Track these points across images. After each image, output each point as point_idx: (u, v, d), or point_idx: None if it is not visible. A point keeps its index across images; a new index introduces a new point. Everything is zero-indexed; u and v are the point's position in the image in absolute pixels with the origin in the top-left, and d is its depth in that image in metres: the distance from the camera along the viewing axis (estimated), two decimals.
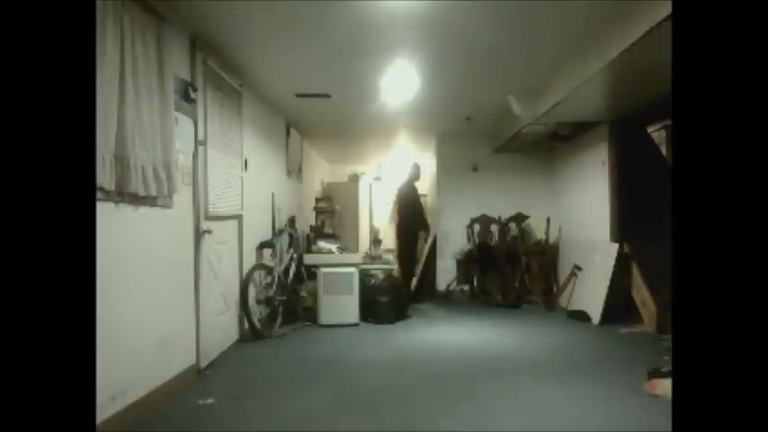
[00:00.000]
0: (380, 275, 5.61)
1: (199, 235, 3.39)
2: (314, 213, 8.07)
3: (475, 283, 6.67)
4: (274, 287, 4.74)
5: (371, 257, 6.20)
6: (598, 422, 2.60)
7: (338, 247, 5.67)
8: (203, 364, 3.44)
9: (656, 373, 3.07)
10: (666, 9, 2.48)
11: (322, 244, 5.74)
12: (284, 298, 4.94)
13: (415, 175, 6.78)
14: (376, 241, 6.86)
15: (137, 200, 2.58)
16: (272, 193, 5.40)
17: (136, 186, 2.49)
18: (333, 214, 8.45)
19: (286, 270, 5.17)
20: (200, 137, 3.44)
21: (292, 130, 6.37)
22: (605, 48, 3.24)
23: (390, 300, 5.24)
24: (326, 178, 10.20)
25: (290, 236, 5.49)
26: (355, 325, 5.00)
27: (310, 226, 7.28)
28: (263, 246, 4.87)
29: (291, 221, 5.71)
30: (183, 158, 3.14)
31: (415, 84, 4.53)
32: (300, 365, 3.69)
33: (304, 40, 3.58)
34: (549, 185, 6.96)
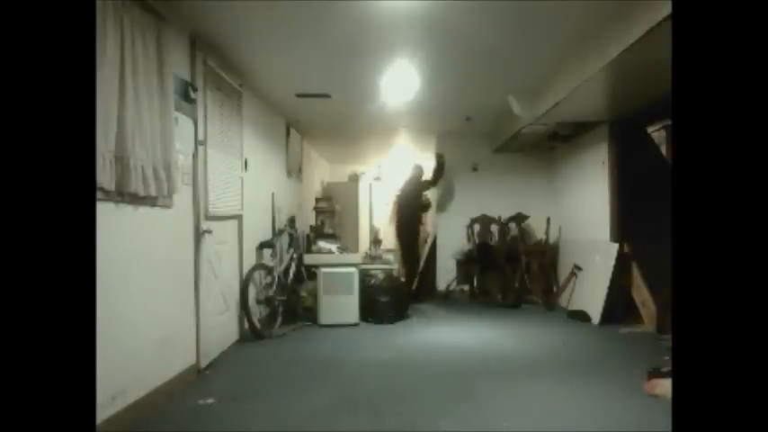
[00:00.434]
0: (380, 275, 5.61)
1: (199, 235, 3.39)
2: (314, 213, 8.06)
3: (475, 283, 6.67)
4: (274, 287, 4.74)
5: (371, 257, 6.20)
6: (598, 422, 2.60)
7: (338, 247, 5.67)
8: (203, 364, 3.44)
9: (656, 373, 3.06)
10: (666, 9, 2.48)
11: (322, 244, 5.74)
12: (284, 298, 4.94)
13: (417, 178, 6.78)
14: (376, 241, 6.86)
15: (137, 200, 2.58)
16: (272, 193, 5.40)
17: (136, 186, 2.49)
18: (333, 214, 8.44)
19: (286, 270, 5.17)
20: (201, 137, 3.44)
21: (292, 130, 6.36)
22: (605, 48, 3.24)
23: (390, 300, 5.24)
24: (326, 178, 10.20)
25: (290, 236, 5.49)
26: (355, 325, 5.00)
27: (310, 226, 7.28)
28: (263, 246, 4.87)
29: (291, 221, 5.71)
30: (183, 158, 3.14)
31: (415, 84, 4.53)
32: (300, 365, 3.69)
33: (304, 40, 3.58)
34: (549, 185, 6.96)
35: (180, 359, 3.14)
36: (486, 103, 5.35)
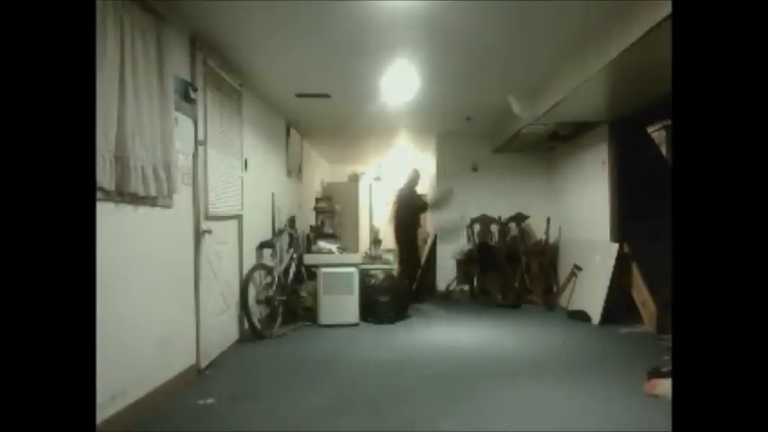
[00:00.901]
0: (380, 275, 5.61)
1: (199, 235, 3.39)
2: (314, 213, 8.06)
3: (475, 283, 6.67)
4: (274, 287, 4.74)
5: (371, 257, 6.20)
6: (598, 422, 2.61)
7: (338, 247, 5.67)
8: (203, 364, 3.44)
9: (656, 373, 3.07)
10: (666, 9, 2.48)
11: (322, 244, 5.74)
12: (284, 298, 4.94)
13: (414, 181, 6.80)
14: (376, 241, 6.86)
15: (137, 200, 2.58)
16: (272, 193, 5.40)
17: (136, 186, 2.49)
18: (333, 214, 8.45)
19: (286, 270, 5.17)
20: (201, 137, 3.44)
21: (292, 130, 6.36)
22: (605, 48, 3.24)
23: (390, 300, 5.24)
24: (326, 178, 10.20)
25: (290, 236, 5.49)
26: (355, 325, 5.00)
27: (310, 226, 7.28)
28: (263, 246, 4.87)
29: (291, 221, 5.71)
30: (183, 158, 3.14)
31: (415, 84, 4.53)
32: (300, 365, 3.69)
33: (304, 40, 3.58)
34: (549, 185, 6.96)
35: (180, 359, 3.14)
36: (486, 103, 5.35)
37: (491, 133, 6.82)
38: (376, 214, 10.66)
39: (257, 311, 4.51)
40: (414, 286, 6.51)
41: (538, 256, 6.45)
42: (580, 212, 6.07)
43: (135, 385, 2.60)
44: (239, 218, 4.30)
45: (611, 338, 4.48)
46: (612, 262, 4.99)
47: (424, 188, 8.11)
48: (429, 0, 2.92)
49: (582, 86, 3.80)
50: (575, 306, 5.55)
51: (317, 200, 8.47)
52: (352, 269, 5.12)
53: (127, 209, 2.53)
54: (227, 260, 4.01)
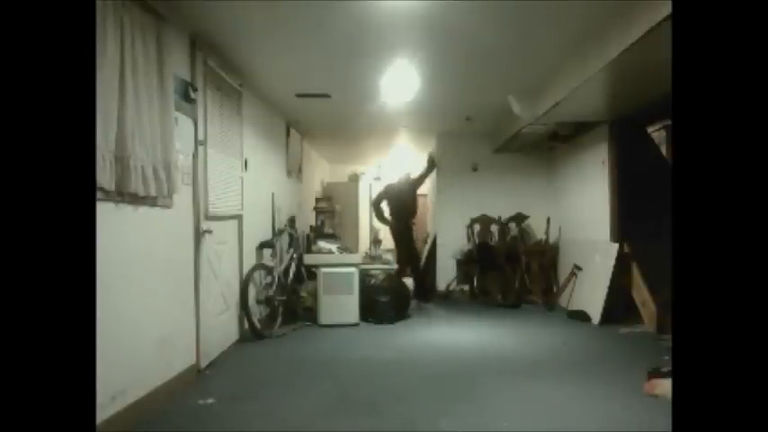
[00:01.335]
0: (380, 275, 5.61)
1: (199, 235, 3.39)
2: (314, 213, 8.07)
3: (475, 283, 6.67)
4: (274, 287, 4.74)
5: (371, 257, 6.20)
6: (598, 422, 2.60)
7: (338, 247, 5.67)
8: (203, 364, 3.44)
9: (656, 373, 3.07)
10: (666, 9, 2.48)
11: (322, 244, 5.74)
12: (284, 298, 4.94)
13: (406, 179, 6.79)
14: (376, 241, 6.87)
15: (137, 200, 2.58)
16: (272, 193, 5.40)
17: (136, 186, 2.49)
18: (333, 214, 8.45)
19: (286, 270, 5.17)
20: (201, 137, 3.44)
21: (292, 130, 6.37)
22: (605, 48, 3.23)
23: (390, 300, 5.24)
24: (326, 178, 10.20)
25: (290, 236, 5.49)
26: (355, 325, 5.00)
27: (310, 226, 7.28)
28: (263, 246, 4.87)
29: (291, 221, 5.71)
30: (183, 158, 3.14)
31: (415, 84, 4.53)
32: (300, 365, 3.69)
33: (304, 40, 3.58)
34: (549, 185, 6.95)
35: (180, 359, 3.14)
36: (486, 103, 5.35)
37: (491, 133, 6.82)
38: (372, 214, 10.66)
39: (257, 311, 4.51)
40: (417, 284, 6.51)
41: (538, 256, 6.45)
42: (580, 212, 6.07)
43: (135, 385, 2.60)
44: (239, 218, 4.30)
45: (611, 338, 4.48)
46: (612, 262, 4.99)
47: (425, 188, 8.15)
48: (429, 0, 2.92)
49: (582, 86, 3.80)
50: (575, 306, 5.55)
51: (317, 200, 8.48)
52: (352, 269, 5.12)
53: (127, 209, 2.53)
54: (227, 260, 4.01)
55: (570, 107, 4.47)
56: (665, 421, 2.35)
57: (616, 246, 5.05)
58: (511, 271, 6.42)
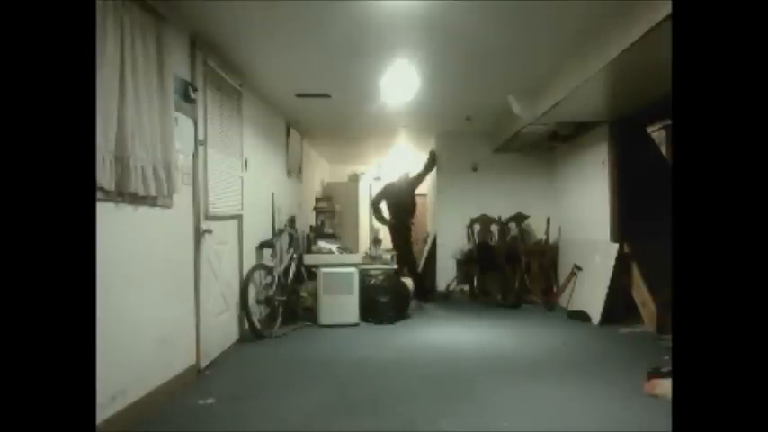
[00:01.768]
0: (380, 275, 5.61)
1: (199, 235, 3.39)
2: (314, 213, 8.06)
3: (475, 283, 6.67)
4: (274, 287, 4.74)
5: (371, 257, 6.20)
6: (598, 422, 2.60)
7: (338, 247, 5.67)
8: (203, 364, 3.44)
9: (656, 373, 3.07)
10: (666, 9, 2.48)
11: (322, 244, 5.74)
12: (284, 298, 4.94)
13: (405, 179, 6.87)
14: (376, 241, 6.86)
15: (137, 200, 2.58)
16: (272, 193, 5.40)
17: (136, 186, 2.49)
18: (333, 214, 8.44)
19: (286, 270, 5.17)
20: (201, 137, 3.44)
21: (292, 130, 6.36)
22: (605, 48, 3.23)
23: (390, 300, 5.24)
24: (326, 178, 10.19)
25: (290, 236, 5.49)
26: (355, 325, 5.00)
27: (310, 226, 7.28)
28: (263, 246, 4.87)
29: (291, 221, 5.71)
30: (183, 158, 3.14)
31: (415, 84, 4.53)
32: (300, 365, 3.69)
33: (304, 40, 3.58)
34: (549, 185, 6.95)
35: (180, 359, 3.14)
36: (486, 103, 5.35)
37: (491, 133, 6.82)
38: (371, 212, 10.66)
39: (257, 311, 4.51)
40: (416, 284, 6.51)
41: (538, 256, 6.45)
42: (580, 212, 6.07)
43: (135, 385, 2.60)
44: (239, 218, 4.30)
45: (611, 338, 4.48)
46: (612, 262, 4.99)
47: (425, 188, 8.15)
48: (429, 0, 2.92)
49: (582, 86, 3.79)
50: (575, 306, 5.55)
51: (317, 200, 8.47)
52: (352, 269, 5.12)
53: (127, 209, 2.53)
54: (227, 260, 4.01)
55: (570, 107, 4.47)
56: (665, 421, 2.35)
57: (616, 246, 5.05)
58: (511, 271, 6.42)
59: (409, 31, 3.42)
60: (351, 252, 5.80)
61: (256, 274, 4.50)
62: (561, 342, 4.35)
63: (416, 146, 8.25)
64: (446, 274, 6.89)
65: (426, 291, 6.60)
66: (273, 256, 5.04)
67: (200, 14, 3.15)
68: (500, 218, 6.84)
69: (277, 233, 5.27)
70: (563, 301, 5.95)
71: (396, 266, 6.04)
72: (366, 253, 6.49)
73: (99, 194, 2.24)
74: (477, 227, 6.91)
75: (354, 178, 10.43)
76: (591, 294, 5.27)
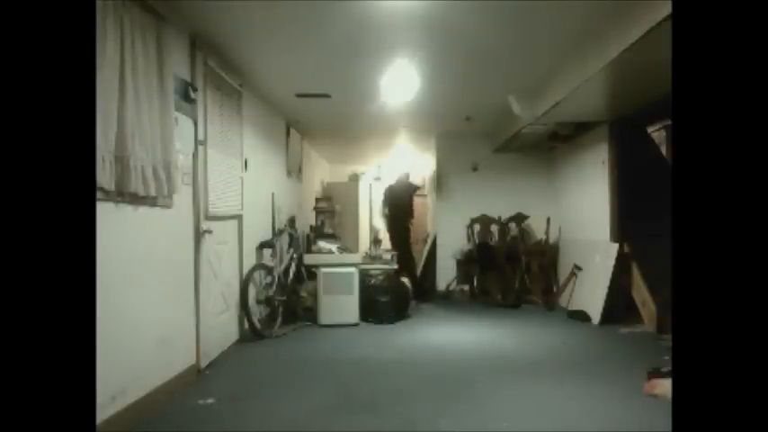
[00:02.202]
0: (380, 275, 5.61)
1: (199, 235, 3.39)
2: (314, 213, 8.06)
3: (475, 283, 6.67)
4: (274, 287, 4.74)
5: (371, 257, 6.19)
6: (598, 422, 2.60)
7: (338, 247, 5.67)
8: (203, 364, 3.44)
9: (656, 373, 3.07)
10: (666, 9, 2.48)
11: (322, 244, 5.74)
12: (284, 298, 4.94)
13: (405, 181, 6.99)
14: (376, 241, 6.85)
15: (137, 200, 2.58)
16: (272, 193, 5.40)
17: (136, 186, 2.49)
18: (333, 214, 8.44)
19: (286, 270, 5.17)
20: (201, 137, 3.44)
21: (292, 130, 6.36)
22: (605, 48, 3.23)
23: (390, 300, 5.24)
24: (326, 178, 10.19)
25: (290, 236, 5.49)
26: (355, 325, 5.00)
27: (310, 226, 7.28)
28: (263, 246, 4.87)
29: (291, 221, 5.71)
30: (183, 158, 3.14)
31: (415, 84, 4.53)
32: (300, 365, 3.69)
33: (304, 40, 3.58)
34: (549, 185, 6.95)
35: (180, 359, 3.14)
36: (486, 103, 5.35)
37: (491, 133, 6.82)
38: (376, 214, 10.66)
39: (257, 311, 4.51)
40: (415, 284, 6.51)
41: (538, 256, 6.45)
42: (580, 212, 6.07)
43: (135, 385, 2.60)
44: (239, 218, 4.30)
45: (611, 338, 4.48)
46: (612, 262, 4.99)
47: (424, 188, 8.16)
48: (429, 0, 2.92)
49: (582, 86, 3.79)
50: (575, 306, 5.55)
51: (317, 200, 8.47)
52: (352, 269, 5.12)
53: (127, 209, 2.53)
54: (227, 260, 4.01)
55: (570, 107, 4.47)
56: (665, 421, 2.35)
57: (616, 246, 5.05)
58: (511, 271, 6.42)
59: (409, 31, 3.42)
60: (351, 252, 5.80)
61: (256, 274, 4.50)
62: (561, 342, 4.35)
63: (416, 146, 8.25)
64: (446, 274, 6.89)
65: (424, 291, 6.60)
66: (273, 256, 5.04)
67: (201, 14, 3.15)
68: (500, 218, 6.84)
69: (277, 233, 5.27)
70: (563, 301, 5.95)
71: (396, 266, 6.05)
72: (366, 253, 6.49)
73: (99, 194, 2.24)
74: (477, 227, 6.91)
75: (354, 178, 10.43)
76: (591, 294, 5.27)
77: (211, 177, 3.59)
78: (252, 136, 4.69)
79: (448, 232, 7.06)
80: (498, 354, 4.02)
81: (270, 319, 4.71)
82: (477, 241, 6.83)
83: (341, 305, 5.02)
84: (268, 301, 4.65)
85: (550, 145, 6.41)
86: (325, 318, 4.98)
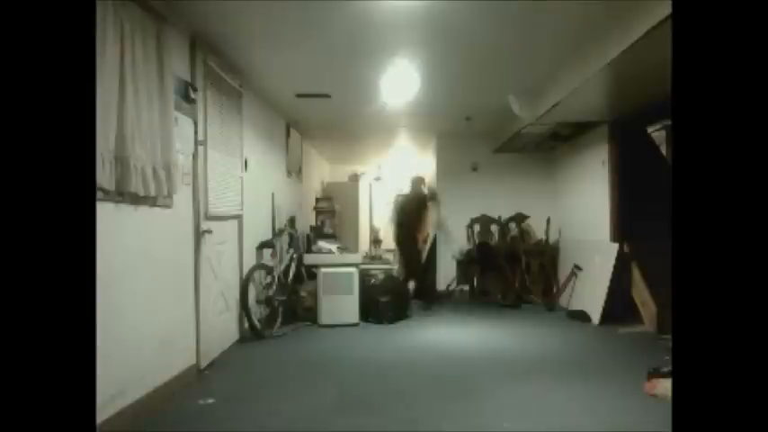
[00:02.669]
0: (380, 275, 5.61)
1: (199, 235, 3.39)
2: (314, 213, 8.07)
3: (475, 283, 6.67)
4: (274, 287, 4.74)
5: (371, 257, 6.19)
6: (598, 422, 2.60)
7: (338, 247, 5.67)
8: (203, 364, 3.44)
9: (656, 373, 3.07)
10: (666, 9, 2.48)
11: (322, 244, 5.74)
12: (284, 298, 4.94)
13: (418, 187, 6.76)
14: (376, 241, 6.87)
15: (137, 200, 2.58)
16: (272, 193, 5.40)
17: (136, 186, 2.49)
18: (333, 214, 8.44)
19: (286, 270, 5.17)
20: (201, 137, 3.44)
21: (292, 130, 6.36)
22: (605, 48, 3.24)
23: (390, 300, 5.24)
24: (326, 178, 10.19)
25: (290, 236, 5.49)
26: (355, 325, 5.00)
27: (310, 226, 7.28)
28: (263, 246, 4.87)
29: (291, 221, 5.71)
30: (183, 158, 3.14)
31: (415, 84, 4.53)
32: (300, 365, 3.69)
33: (304, 40, 3.57)
34: (549, 185, 6.95)
35: (180, 359, 3.14)
36: (486, 103, 5.35)
37: (491, 133, 6.82)
38: (376, 214, 10.67)
39: (257, 311, 4.51)
40: (416, 287, 6.45)
41: (538, 256, 6.45)
42: (580, 212, 6.07)
43: (135, 385, 2.60)
44: (239, 218, 4.30)
45: (611, 338, 4.48)
46: (612, 262, 4.99)
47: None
48: (429, 0, 2.92)
49: (582, 86, 3.80)
50: (575, 306, 5.55)
51: (317, 200, 8.47)
52: (352, 269, 5.12)
53: (127, 209, 2.53)
54: (227, 260, 4.01)
55: (570, 107, 4.48)
56: (665, 421, 2.35)
57: (616, 246, 5.05)
58: (511, 271, 6.41)
59: (409, 31, 3.42)
60: (351, 252, 5.80)
61: (256, 274, 4.50)
62: (561, 342, 4.34)
63: (416, 146, 8.25)
64: (446, 274, 6.89)
65: (432, 297, 6.39)
66: (273, 256, 5.04)
67: (201, 14, 3.15)
68: (500, 218, 6.84)
69: (277, 233, 5.27)
70: (563, 301, 5.95)
71: (400, 268, 6.01)
72: (366, 253, 6.49)
73: (99, 194, 2.24)
74: (477, 227, 6.90)
75: (354, 178, 10.43)
76: (591, 294, 5.27)
77: (211, 177, 3.59)
78: (252, 136, 4.69)
79: (448, 232, 7.06)
80: (498, 354, 4.02)
81: (270, 319, 4.70)
82: (477, 241, 6.83)
83: (341, 305, 5.02)
84: (268, 301, 4.66)
85: (550, 145, 6.41)
86: (325, 318, 4.98)
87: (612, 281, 4.95)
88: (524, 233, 6.85)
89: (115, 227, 2.43)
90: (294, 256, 5.37)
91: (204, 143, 3.49)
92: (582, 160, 6.02)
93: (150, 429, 2.54)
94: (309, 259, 5.39)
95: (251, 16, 3.18)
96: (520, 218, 6.77)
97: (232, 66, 4.03)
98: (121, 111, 2.40)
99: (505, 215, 6.82)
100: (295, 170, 6.66)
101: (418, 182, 6.82)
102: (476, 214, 6.91)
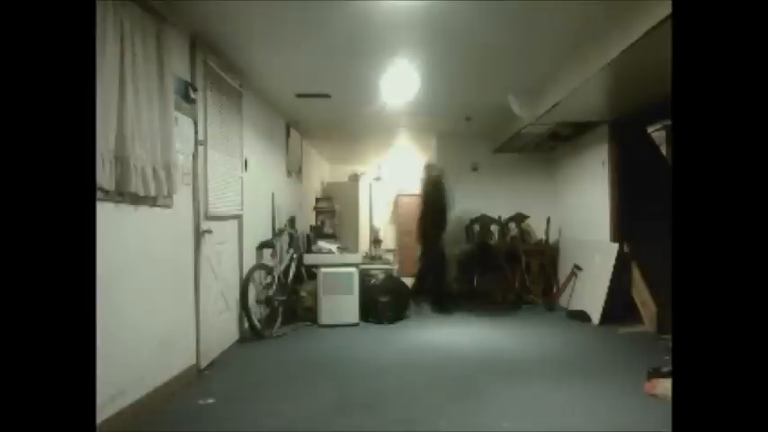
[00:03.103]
0: (380, 275, 5.61)
1: (199, 235, 3.39)
2: (314, 213, 8.06)
3: (475, 283, 6.66)
4: (274, 287, 4.74)
5: (371, 257, 6.19)
6: (598, 422, 2.60)
7: (338, 247, 5.67)
8: (203, 364, 3.44)
9: (656, 373, 3.07)
10: (666, 9, 2.48)
11: (322, 244, 5.74)
12: (284, 298, 4.94)
13: (437, 174, 6.38)
14: (376, 241, 6.86)
15: (137, 200, 2.58)
16: (272, 193, 5.40)
17: (136, 186, 2.49)
18: (333, 214, 8.44)
19: (286, 270, 5.17)
20: (201, 137, 3.44)
21: (292, 130, 6.36)
22: (605, 48, 3.24)
23: (390, 300, 5.25)
24: (326, 178, 10.19)
25: (290, 236, 5.49)
26: (355, 325, 5.00)
27: (310, 226, 7.28)
28: (263, 246, 4.87)
29: (291, 221, 5.71)
30: (182, 158, 3.14)
31: (415, 84, 4.53)
32: (300, 365, 3.69)
33: (304, 40, 3.58)
34: (549, 185, 6.96)
35: (180, 359, 3.14)
36: (486, 103, 5.35)
37: (491, 133, 6.82)
38: (376, 214, 10.67)
39: (257, 311, 4.51)
40: (434, 290, 6.19)
41: (538, 256, 6.45)
42: (580, 212, 6.07)
43: (135, 385, 2.60)
44: (239, 218, 4.30)
45: (611, 338, 4.48)
46: (612, 262, 4.99)
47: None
48: (429, 0, 2.92)
49: (582, 86, 3.80)
50: (575, 306, 5.55)
51: (317, 200, 8.47)
52: (352, 269, 5.12)
53: (127, 209, 2.53)
54: (227, 260, 4.01)
55: (570, 107, 4.48)
56: (665, 421, 2.35)
57: (616, 246, 5.05)
58: (511, 271, 6.41)
59: (409, 31, 3.43)
60: (351, 252, 5.80)
61: (256, 274, 4.50)
62: (560, 342, 4.33)
63: (416, 146, 8.25)
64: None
65: (450, 299, 6.05)
66: (273, 256, 5.04)
67: (201, 14, 3.15)
68: (500, 218, 6.83)
69: (277, 233, 5.27)
70: (563, 301, 5.95)
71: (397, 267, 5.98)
72: (366, 253, 6.49)
73: (99, 194, 2.24)
74: (477, 227, 6.90)
75: (354, 178, 10.43)
76: (591, 294, 5.27)
77: (211, 177, 3.59)
78: (252, 136, 4.69)
79: (448, 232, 7.04)
80: (498, 354, 4.02)
81: (270, 319, 4.70)
82: (477, 241, 6.82)
83: (341, 305, 5.02)
84: (268, 301, 4.66)
85: (550, 145, 6.41)
86: (325, 318, 4.98)
87: (612, 281, 4.95)
88: (524, 233, 6.85)
89: (115, 227, 2.43)
90: (294, 256, 5.37)
91: (204, 143, 3.49)
92: (582, 160, 6.02)
93: (150, 429, 2.54)
94: (309, 259, 5.39)
95: (251, 16, 3.18)
96: (520, 218, 6.77)
97: (232, 66, 4.03)
98: (121, 111, 2.40)
99: (505, 215, 6.82)
100: (295, 170, 6.66)
101: (433, 169, 6.43)
102: (476, 214, 6.91)
